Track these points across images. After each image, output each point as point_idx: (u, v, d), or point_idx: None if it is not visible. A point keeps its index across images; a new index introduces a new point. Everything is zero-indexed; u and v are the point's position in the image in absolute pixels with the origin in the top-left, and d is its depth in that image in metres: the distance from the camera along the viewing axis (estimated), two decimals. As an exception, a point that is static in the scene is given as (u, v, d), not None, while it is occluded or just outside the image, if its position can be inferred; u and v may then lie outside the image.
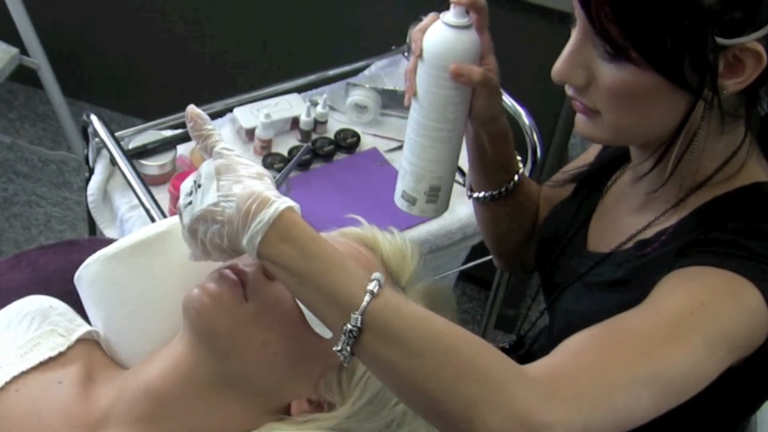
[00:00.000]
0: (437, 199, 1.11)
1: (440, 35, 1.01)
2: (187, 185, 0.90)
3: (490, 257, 1.91)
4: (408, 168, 1.10)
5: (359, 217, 1.07)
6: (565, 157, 2.69)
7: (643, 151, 1.01)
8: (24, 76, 2.45)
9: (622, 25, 0.86)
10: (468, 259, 1.94)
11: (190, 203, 0.87)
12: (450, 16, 1.01)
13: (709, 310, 0.86)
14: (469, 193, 1.22)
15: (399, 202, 1.13)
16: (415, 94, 1.05)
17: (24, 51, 2.32)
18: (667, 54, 0.86)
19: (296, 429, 0.93)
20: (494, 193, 1.18)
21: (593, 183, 1.16)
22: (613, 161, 1.14)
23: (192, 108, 0.91)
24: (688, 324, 0.85)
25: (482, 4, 1.02)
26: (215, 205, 0.85)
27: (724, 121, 0.93)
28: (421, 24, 1.04)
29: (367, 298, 0.80)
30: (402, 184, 1.12)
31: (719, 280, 0.88)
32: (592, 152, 1.22)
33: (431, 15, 1.04)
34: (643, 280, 0.96)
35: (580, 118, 0.98)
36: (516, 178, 1.18)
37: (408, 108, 1.09)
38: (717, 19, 0.84)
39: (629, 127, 0.95)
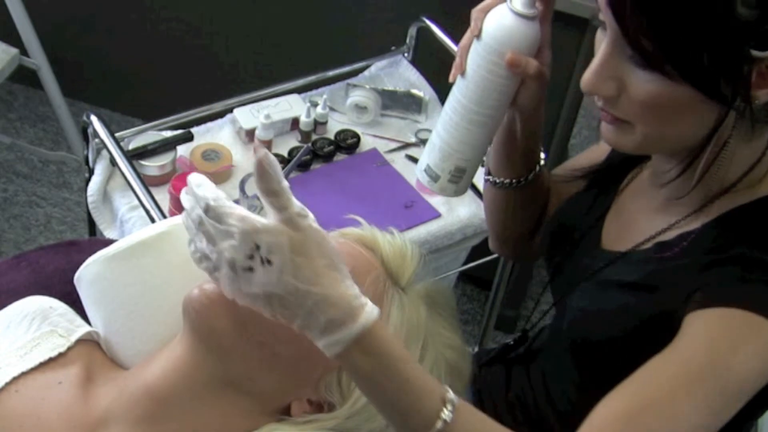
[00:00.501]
0: (460, 180, 1.09)
1: (504, 20, 0.99)
2: (234, 225, 0.79)
3: (490, 257, 1.92)
4: (437, 143, 1.08)
5: (359, 218, 1.07)
6: (565, 156, 2.68)
7: (668, 158, 1.01)
8: (24, 76, 2.45)
9: (657, 39, 0.85)
10: (468, 260, 1.94)
11: (250, 269, 0.79)
12: (518, 3, 0.99)
13: (734, 374, 0.88)
14: (487, 177, 1.20)
15: (420, 175, 1.11)
16: (462, 72, 1.03)
17: (24, 51, 2.32)
18: (702, 68, 0.86)
19: (297, 429, 0.93)
20: (514, 180, 1.17)
21: (607, 180, 1.16)
22: (628, 159, 1.14)
23: (265, 155, 0.80)
24: (714, 389, 0.88)
25: None
26: (290, 293, 0.79)
27: (754, 128, 0.93)
28: (484, 3, 1.02)
29: (439, 425, 0.82)
30: (427, 158, 1.10)
31: (746, 329, 0.89)
32: (602, 149, 1.21)
33: None
34: (663, 286, 0.97)
35: (607, 128, 0.97)
36: (537, 168, 1.17)
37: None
38: (753, 32, 0.84)
39: (660, 137, 0.94)
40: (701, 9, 0.83)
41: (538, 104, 1.07)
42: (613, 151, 1.17)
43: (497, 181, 1.18)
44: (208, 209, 0.82)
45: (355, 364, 0.81)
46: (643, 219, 1.07)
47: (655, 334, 0.96)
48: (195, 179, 0.85)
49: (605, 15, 0.90)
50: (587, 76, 0.93)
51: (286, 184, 0.81)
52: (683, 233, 1.00)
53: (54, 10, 2.55)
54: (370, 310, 0.80)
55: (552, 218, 1.22)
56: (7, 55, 2.27)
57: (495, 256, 1.91)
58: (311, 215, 0.82)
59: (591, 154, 1.23)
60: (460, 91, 1.04)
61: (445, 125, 1.07)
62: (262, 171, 0.80)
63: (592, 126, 3.12)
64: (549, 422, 1.23)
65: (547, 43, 1.03)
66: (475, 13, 1.02)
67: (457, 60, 1.04)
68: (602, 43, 0.93)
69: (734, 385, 0.88)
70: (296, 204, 0.81)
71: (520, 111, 1.07)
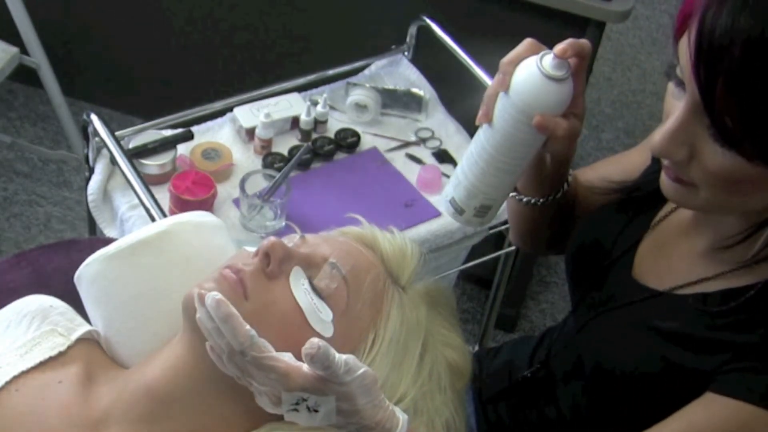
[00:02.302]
0: (485, 215, 1.08)
1: (533, 82, 0.95)
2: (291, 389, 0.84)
3: (490, 256, 1.91)
4: (463, 182, 1.06)
5: (359, 217, 1.07)
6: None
7: (727, 218, 0.99)
8: (24, 75, 2.45)
9: (742, 121, 0.83)
10: (468, 259, 1.94)
11: (296, 411, 0.86)
12: (548, 65, 0.94)
13: None
14: (514, 194, 1.17)
15: (445, 206, 1.10)
16: (489, 120, 1.00)
17: (24, 51, 2.32)
18: None
19: (297, 429, 0.93)
20: (541, 199, 1.14)
21: (645, 203, 1.13)
22: None
23: (317, 349, 0.81)
24: None
25: (587, 51, 0.97)
26: (333, 425, 0.86)
27: None
28: (515, 54, 0.98)
29: None
30: (453, 192, 1.08)
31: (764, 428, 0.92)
32: (636, 161, 1.18)
33: (527, 43, 0.98)
34: (700, 350, 0.97)
35: (670, 184, 0.95)
36: (565, 186, 1.14)
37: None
38: None
39: (725, 204, 0.92)
40: None
41: (571, 149, 1.05)
42: (649, 171, 1.14)
43: (523, 199, 1.16)
44: (245, 354, 0.84)
45: None
46: (684, 261, 1.04)
47: (681, 380, 0.98)
48: (219, 310, 0.85)
49: (688, 82, 0.86)
50: (660, 140, 0.90)
51: (333, 354, 0.82)
52: (728, 290, 0.98)
53: (54, 10, 2.55)
54: (402, 426, 0.86)
55: (581, 228, 1.19)
56: (7, 54, 2.27)
57: (495, 255, 1.91)
58: (353, 361, 0.83)
59: (624, 164, 1.20)
60: (486, 138, 1.02)
61: (471, 167, 1.04)
62: (314, 360, 0.82)
63: (592, 125, 3.12)
64: (554, 428, 1.23)
65: (581, 92, 0.98)
66: (503, 65, 0.98)
67: (484, 108, 1.00)
68: (676, 101, 0.89)
69: None
70: (341, 364, 0.82)
71: (550, 153, 1.05)
